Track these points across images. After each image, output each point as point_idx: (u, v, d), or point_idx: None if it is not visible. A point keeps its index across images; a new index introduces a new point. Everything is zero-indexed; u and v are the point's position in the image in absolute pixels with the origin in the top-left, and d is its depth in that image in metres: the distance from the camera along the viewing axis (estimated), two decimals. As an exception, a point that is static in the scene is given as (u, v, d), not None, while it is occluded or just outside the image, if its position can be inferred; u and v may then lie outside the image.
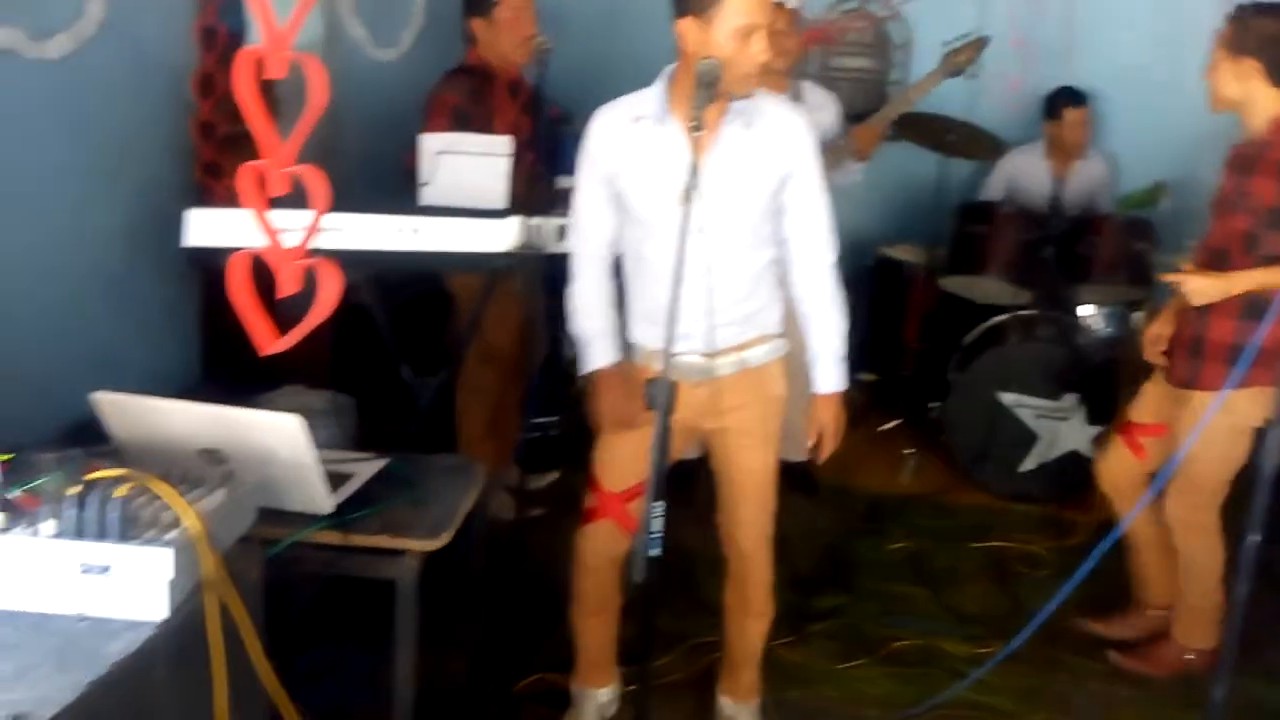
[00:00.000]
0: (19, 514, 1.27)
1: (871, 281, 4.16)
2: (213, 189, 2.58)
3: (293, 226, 1.66)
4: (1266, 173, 2.21)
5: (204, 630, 1.28)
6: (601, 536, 2.01)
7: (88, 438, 1.71)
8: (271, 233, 1.39)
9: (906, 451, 3.62)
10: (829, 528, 3.16)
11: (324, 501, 1.71)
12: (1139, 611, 2.65)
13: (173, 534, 1.26)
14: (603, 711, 2.20)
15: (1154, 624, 2.59)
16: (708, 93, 1.64)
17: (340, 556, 1.72)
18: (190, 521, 1.28)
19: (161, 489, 1.29)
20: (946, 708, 2.26)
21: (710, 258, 1.78)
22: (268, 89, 1.51)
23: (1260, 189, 2.21)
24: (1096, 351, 3.44)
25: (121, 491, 1.26)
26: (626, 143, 1.86)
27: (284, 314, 1.58)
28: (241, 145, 1.41)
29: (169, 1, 2.46)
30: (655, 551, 1.53)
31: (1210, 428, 2.10)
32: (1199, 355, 2.32)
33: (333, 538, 1.70)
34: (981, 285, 3.52)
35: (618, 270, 2.00)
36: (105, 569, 1.22)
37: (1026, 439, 3.37)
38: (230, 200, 1.61)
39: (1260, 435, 2.09)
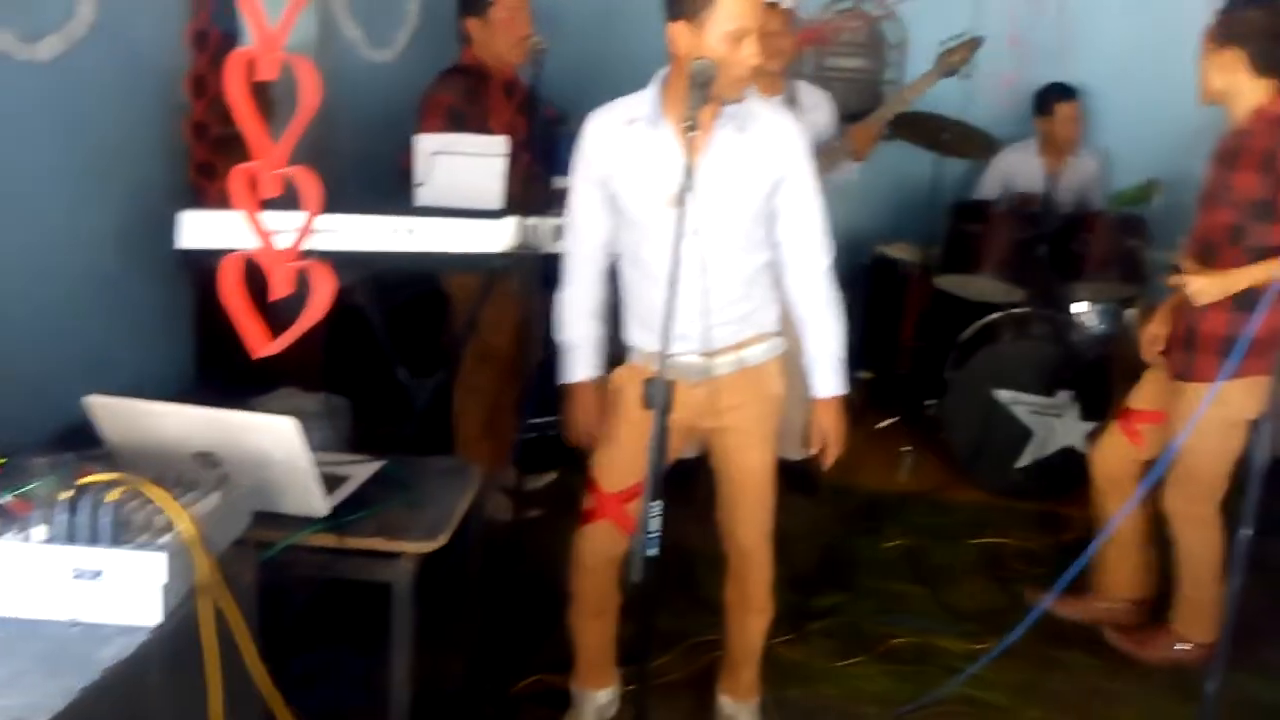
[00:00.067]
0: (10, 519, 1.26)
1: (868, 280, 4.16)
2: (206, 190, 2.58)
3: (285, 228, 1.66)
4: (1249, 165, 2.22)
5: (198, 634, 1.28)
6: (600, 537, 2.01)
7: (81, 441, 1.70)
8: (264, 235, 1.38)
9: (903, 449, 3.62)
10: (827, 526, 3.16)
11: (319, 504, 1.70)
12: (1099, 596, 2.67)
13: (166, 538, 1.26)
14: (602, 713, 2.20)
15: (1106, 614, 2.60)
16: (702, 93, 1.64)
17: (336, 559, 1.71)
18: (184, 525, 1.27)
19: (155, 493, 1.28)
20: (943, 704, 2.27)
21: (705, 259, 1.78)
22: (261, 90, 1.50)
23: (1243, 181, 2.23)
24: (1090, 348, 3.46)
25: (114, 496, 1.25)
26: (620, 145, 1.85)
27: (278, 316, 1.58)
28: (234, 146, 1.40)
29: (161, 4, 2.46)
30: (653, 551, 1.53)
31: (1204, 420, 2.11)
32: (1192, 347, 2.34)
33: (328, 540, 1.69)
34: (976, 283, 3.52)
35: (613, 276, 2.00)
36: (97, 574, 1.21)
37: (1022, 436, 3.38)
38: (224, 202, 1.60)
39: (1254, 428, 2.10)
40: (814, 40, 4.35)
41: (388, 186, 2.71)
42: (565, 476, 3.13)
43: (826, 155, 3.08)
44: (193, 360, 2.68)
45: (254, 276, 1.51)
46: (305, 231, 1.41)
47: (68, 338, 2.20)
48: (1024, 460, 3.39)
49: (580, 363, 1.97)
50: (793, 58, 3.12)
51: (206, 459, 1.59)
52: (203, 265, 2.12)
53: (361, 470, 1.90)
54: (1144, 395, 2.55)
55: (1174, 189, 3.52)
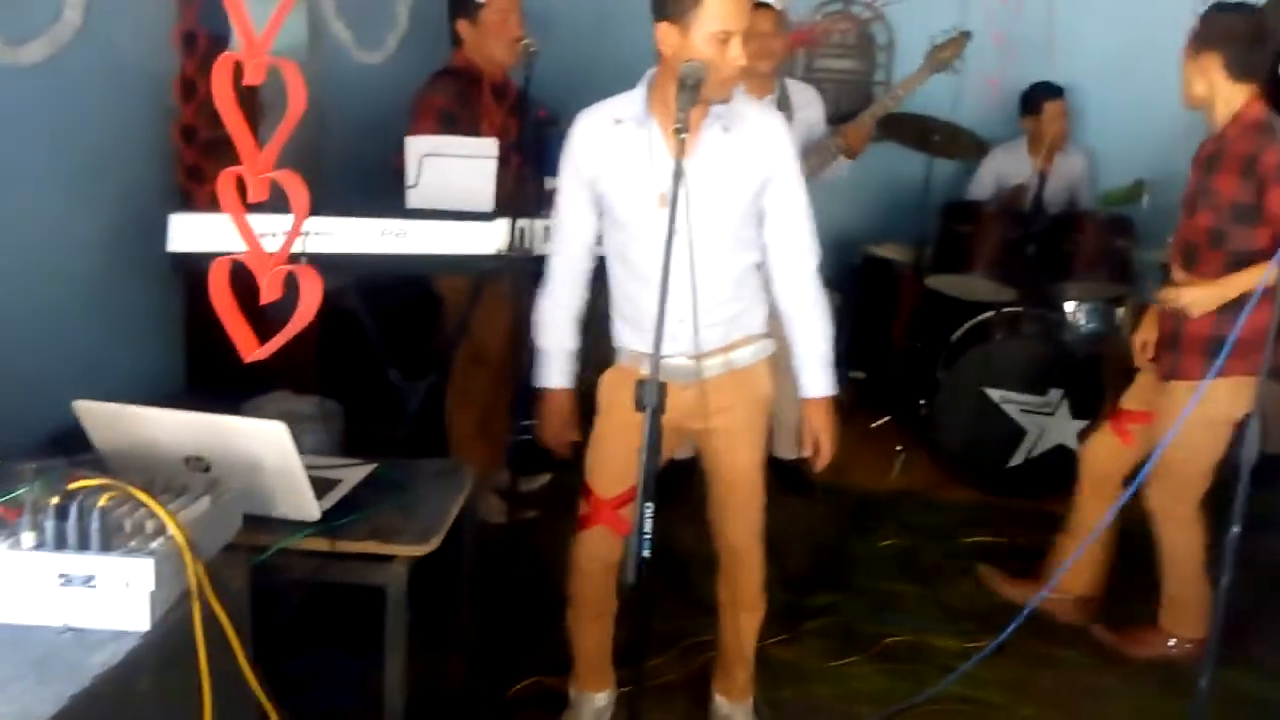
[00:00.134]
0: (-1, 525, 1.25)
1: (859, 280, 4.18)
2: (195, 194, 2.57)
3: (274, 232, 1.65)
4: (1229, 169, 2.24)
5: (190, 640, 1.27)
6: (596, 542, 2.01)
7: (71, 446, 1.70)
8: (251, 239, 1.38)
9: (896, 449, 3.63)
10: (820, 526, 3.16)
11: (311, 508, 1.70)
12: (1042, 585, 2.67)
13: (155, 544, 1.25)
14: (600, 715, 2.20)
15: (1051, 604, 2.61)
16: (691, 95, 1.64)
17: (328, 563, 1.70)
18: (173, 530, 1.27)
19: (144, 498, 1.28)
20: (937, 702, 2.27)
21: (694, 260, 1.78)
22: (251, 94, 1.50)
23: (1222, 185, 2.25)
24: (1081, 347, 3.48)
25: (103, 501, 1.25)
26: (608, 145, 1.86)
27: (269, 319, 1.58)
28: (224, 149, 1.40)
29: (148, 6, 2.45)
30: (645, 553, 1.53)
31: (1189, 418, 2.13)
32: (1179, 348, 2.36)
33: (320, 544, 1.69)
34: (967, 283, 3.54)
35: (597, 279, 2.00)
36: (86, 580, 1.21)
37: (1014, 434, 3.39)
38: (213, 205, 1.60)
39: (1242, 427, 2.12)
40: (804, 42, 4.37)
41: (379, 189, 2.70)
42: (559, 478, 3.13)
43: (820, 153, 3.09)
44: (184, 363, 2.67)
45: (244, 280, 1.50)
46: (293, 235, 1.41)
47: (57, 342, 2.19)
48: (1016, 459, 3.40)
49: (555, 370, 2.01)
50: (783, 59, 3.13)
51: (197, 463, 1.59)
52: (193, 268, 2.12)
53: (354, 473, 1.89)
54: (1136, 396, 2.57)
55: (1162, 189, 3.54)
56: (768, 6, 2.82)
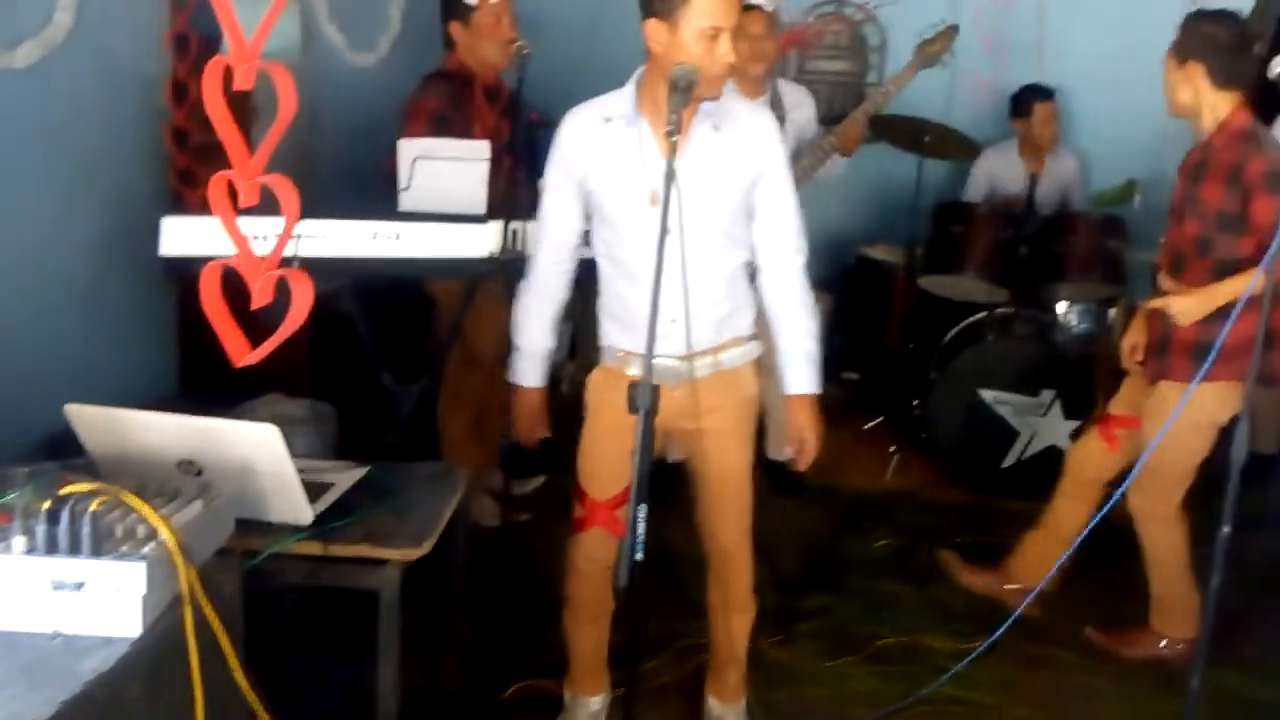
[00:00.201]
0: (-10, 530, 1.25)
1: (852, 281, 4.19)
2: (188, 197, 2.56)
3: (266, 235, 1.65)
4: (1215, 178, 2.26)
5: (181, 645, 1.27)
6: (594, 543, 2.01)
7: (63, 450, 1.70)
8: (243, 243, 1.38)
9: (889, 450, 3.64)
10: (814, 527, 3.17)
11: (304, 512, 1.69)
12: (1003, 575, 2.74)
13: (147, 548, 1.25)
14: (594, 719, 2.19)
15: (1007, 595, 2.67)
16: (683, 97, 1.64)
17: (321, 567, 1.70)
18: (165, 535, 1.26)
19: (135, 502, 1.28)
20: (930, 703, 2.27)
21: (685, 260, 1.79)
22: (243, 97, 1.50)
23: (1208, 194, 2.26)
24: (1073, 348, 3.49)
25: (95, 506, 1.25)
26: (598, 144, 1.86)
27: (262, 323, 1.57)
28: (216, 153, 1.40)
29: (140, 9, 2.44)
30: (639, 555, 1.53)
31: (1175, 420, 2.13)
32: (1167, 351, 2.38)
33: (313, 548, 1.69)
34: (960, 284, 3.55)
35: (580, 281, 2.01)
36: (78, 585, 1.21)
37: (1007, 435, 3.40)
38: (206, 208, 1.60)
39: (1228, 429, 2.13)
40: (796, 43, 4.38)
41: (372, 192, 2.70)
42: (553, 480, 3.13)
43: (813, 153, 3.10)
44: (176, 367, 2.66)
45: (236, 285, 1.50)
46: (284, 240, 1.41)
47: (49, 345, 2.18)
48: (1009, 459, 3.42)
49: (531, 370, 2.03)
50: (775, 61, 3.14)
51: (189, 467, 1.59)
52: (185, 272, 2.11)
53: (346, 477, 1.89)
54: (1123, 401, 2.59)
55: (1153, 190, 3.56)
56: (759, 9, 2.83)
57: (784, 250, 1.93)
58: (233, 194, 1.37)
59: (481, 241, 2.25)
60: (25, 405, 1.95)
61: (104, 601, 1.21)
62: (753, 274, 1.97)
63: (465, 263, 2.27)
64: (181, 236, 2.19)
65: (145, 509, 1.27)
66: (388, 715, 1.76)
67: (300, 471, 1.66)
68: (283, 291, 1.42)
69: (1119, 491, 2.19)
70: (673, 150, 1.56)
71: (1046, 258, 3.44)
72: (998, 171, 3.97)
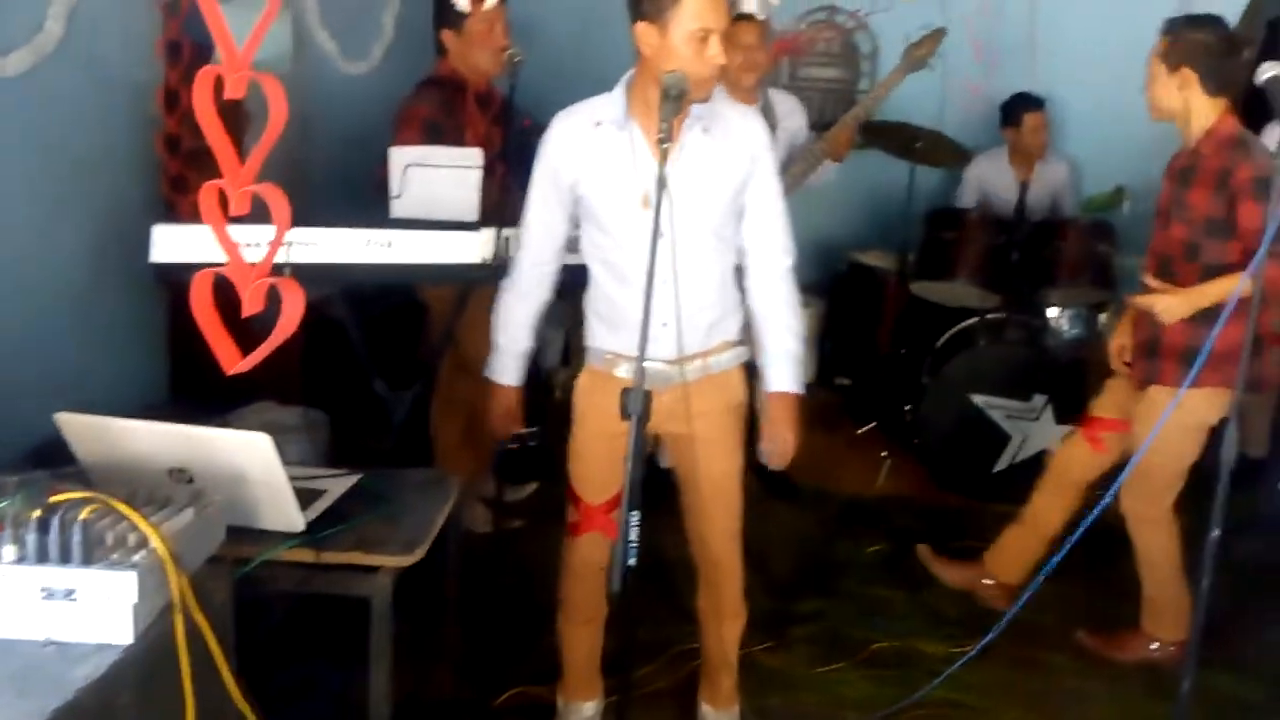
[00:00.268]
0: (-20, 539, 1.25)
1: (844, 287, 4.20)
2: (179, 204, 2.56)
3: (258, 242, 1.65)
4: (1203, 183, 2.27)
5: (172, 653, 1.27)
6: (590, 547, 2.01)
7: (53, 458, 1.69)
8: (234, 252, 1.38)
9: (882, 455, 3.64)
10: (807, 532, 3.17)
11: (295, 519, 1.69)
12: (978, 569, 2.78)
13: (138, 556, 1.25)
14: (587, 725, 2.20)
15: (983, 589, 2.71)
16: (674, 104, 1.64)
17: (313, 574, 1.70)
18: (156, 543, 1.26)
19: (126, 510, 1.27)
20: (923, 707, 2.28)
21: (676, 264, 1.79)
22: (235, 104, 1.50)
23: (1196, 199, 2.28)
24: (1064, 352, 3.51)
25: (85, 514, 1.25)
26: (589, 149, 1.86)
27: (254, 330, 1.58)
28: (208, 160, 1.40)
29: (132, 16, 2.44)
30: (631, 561, 1.53)
31: (1165, 423, 2.15)
32: (1156, 355, 2.39)
33: (305, 555, 1.68)
34: (951, 290, 3.57)
35: (566, 286, 2.01)
36: (68, 593, 1.20)
37: (999, 440, 3.41)
38: (197, 215, 1.60)
39: (1217, 432, 2.14)
40: (788, 51, 4.40)
41: (364, 199, 2.70)
42: (546, 487, 3.13)
43: (804, 160, 3.11)
44: (167, 374, 2.65)
45: (227, 292, 1.50)
46: (274, 249, 1.41)
47: (40, 353, 2.17)
48: (1001, 464, 3.43)
49: (509, 368, 2.06)
50: (768, 70, 3.15)
51: (180, 475, 1.58)
52: (176, 279, 2.11)
53: (338, 484, 1.89)
54: (1108, 403, 2.60)
55: (1142, 195, 3.59)
56: (751, 19, 2.84)
57: (771, 251, 1.94)
58: (224, 202, 1.37)
59: (474, 248, 2.25)
60: (15, 413, 1.95)
61: (95, 610, 1.21)
62: (741, 277, 1.98)
63: (457, 269, 2.27)
64: (173, 244, 2.18)
65: (136, 517, 1.27)
66: (380, 722, 1.75)
67: (292, 478, 1.66)
68: (274, 299, 1.42)
69: (1108, 496, 2.20)
70: (665, 158, 1.57)
71: (1037, 263, 3.46)
72: (988, 178, 3.99)
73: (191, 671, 1.28)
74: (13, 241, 2.12)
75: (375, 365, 2.45)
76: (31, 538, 1.22)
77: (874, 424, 3.87)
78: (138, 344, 2.56)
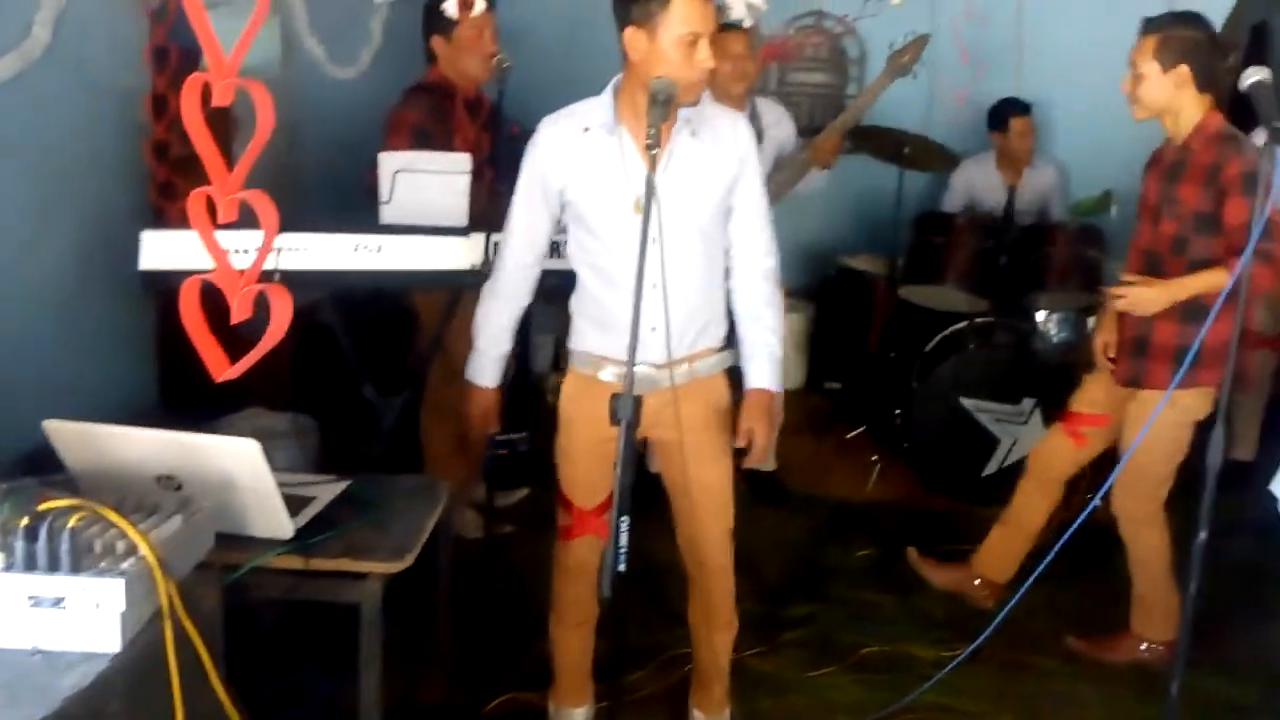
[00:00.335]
0: (-33, 547, 1.24)
1: (833, 291, 4.22)
2: (167, 211, 2.55)
3: (246, 249, 1.65)
4: (1193, 179, 2.29)
5: (161, 660, 1.26)
6: (584, 550, 2.01)
7: (41, 466, 1.68)
8: (221, 259, 1.38)
9: (872, 459, 3.66)
10: (797, 536, 3.18)
11: (284, 525, 1.69)
12: (966, 571, 2.80)
13: (126, 564, 1.24)
14: (579, 731, 2.19)
15: (970, 588, 2.74)
16: (663, 110, 1.65)
17: (302, 581, 1.70)
18: (144, 550, 1.26)
19: (115, 518, 1.27)
20: (914, 711, 2.28)
21: (665, 268, 1.80)
22: (223, 111, 1.50)
23: (1186, 194, 2.29)
24: (1052, 356, 3.53)
25: (73, 522, 1.24)
26: (578, 154, 1.86)
27: (242, 337, 1.57)
28: (196, 166, 1.40)
29: (119, 22, 2.44)
30: (621, 566, 1.53)
31: (1155, 423, 2.16)
32: (1144, 355, 2.40)
33: (294, 562, 1.68)
34: (940, 294, 3.58)
35: (558, 293, 2.01)
36: (56, 601, 1.20)
37: (988, 443, 3.43)
38: (185, 222, 1.60)
39: (1203, 432, 2.16)
40: (776, 56, 4.42)
41: (353, 204, 2.70)
42: (537, 492, 3.12)
43: (792, 168, 3.13)
44: (156, 381, 2.64)
45: (216, 299, 1.50)
46: (262, 256, 1.41)
47: (27, 360, 2.16)
48: (990, 467, 3.44)
49: (488, 370, 2.07)
50: (756, 78, 3.16)
51: (168, 482, 1.58)
52: (165, 285, 2.11)
53: (328, 490, 1.89)
54: (1088, 398, 2.61)
55: (1129, 200, 3.60)
56: (739, 28, 2.85)
57: (755, 251, 1.95)
58: (212, 209, 1.37)
59: (463, 254, 2.26)
60: (3, 420, 1.94)
61: (83, 617, 1.21)
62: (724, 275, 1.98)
63: (447, 275, 2.28)
64: (161, 250, 2.18)
65: (124, 524, 1.27)
66: (370, 729, 1.75)
67: (281, 485, 1.66)
68: (262, 306, 1.42)
69: (1095, 499, 2.21)
70: (653, 163, 1.58)
71: (1026, 267, 3.48)
72: (976, 182, 4.02)
73: (180, 679, 1.27)
74: (1, 247, 2.11)
75: (365, 371, 2.45)
76: (19, 545, 1.22)
77: (863, 428, 3.88)
78: (126, 351, 2.55)
